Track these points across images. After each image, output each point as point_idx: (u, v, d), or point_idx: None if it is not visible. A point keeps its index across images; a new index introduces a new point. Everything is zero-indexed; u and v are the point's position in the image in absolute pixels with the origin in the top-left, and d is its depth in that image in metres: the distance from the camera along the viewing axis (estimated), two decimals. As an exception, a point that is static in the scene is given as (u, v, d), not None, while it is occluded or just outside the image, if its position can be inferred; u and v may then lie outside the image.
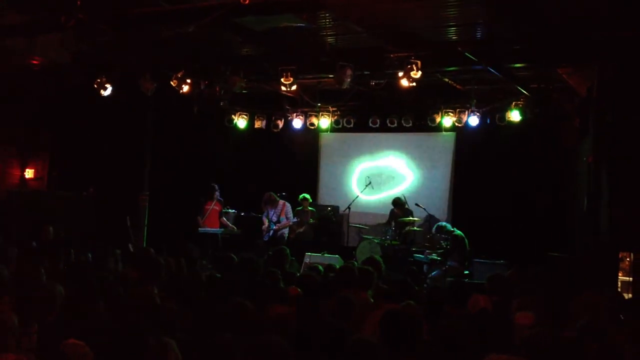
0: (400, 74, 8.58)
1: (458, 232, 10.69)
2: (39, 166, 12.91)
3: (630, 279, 7.90)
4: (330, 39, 8.81)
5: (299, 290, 5.80)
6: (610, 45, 7.76)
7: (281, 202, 11.78)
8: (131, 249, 10.01)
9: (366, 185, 12.76)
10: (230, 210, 12.33)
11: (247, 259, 6.84)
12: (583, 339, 4.20)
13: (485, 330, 4.51)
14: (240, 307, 4.44)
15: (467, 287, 6.09)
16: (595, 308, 4.84)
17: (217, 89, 11.11)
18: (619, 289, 7.83)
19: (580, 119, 9.89)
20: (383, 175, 13.27)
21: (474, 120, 11.28)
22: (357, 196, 12.61)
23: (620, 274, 7.98)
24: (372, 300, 5.79)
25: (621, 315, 5.10)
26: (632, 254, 7.94)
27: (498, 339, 4.31)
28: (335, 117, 12.78)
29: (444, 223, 11.04)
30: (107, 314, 4.72)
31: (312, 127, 13.03)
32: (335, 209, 12.95)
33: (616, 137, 8.02)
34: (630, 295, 7.68)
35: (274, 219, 11.67)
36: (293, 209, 11.99)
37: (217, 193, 11.82)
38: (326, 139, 13.94)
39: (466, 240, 10.67)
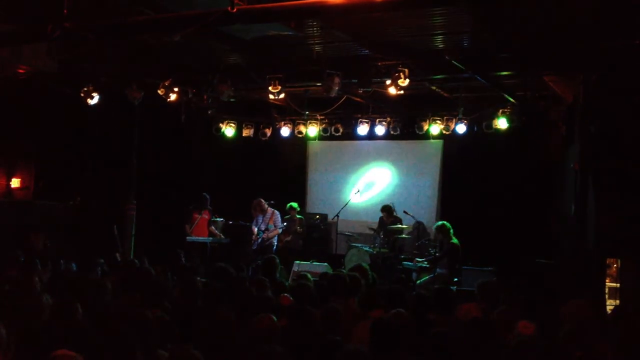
0: (388, 82, 8.62)
1: (455, 240, 10.59)
2: (25, 176, 12.78)
3: (617, 284, 7.96)
4: (317, 48, 8.82)
5: (291, 299, 5.79)
6: (594, 54, 7.83)
7: (270, 209, 11.74)
8: (118, 259, 9.93)
9: (354, 193, 12.76)
10: (218, 219, 12.29)
11: (221, 268, 6.80)
12: (567, 347, 4.21)
13: (477, 338, 4.51)
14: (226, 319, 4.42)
15: (452, 294, 6.10)
16: (580, 316, 4.85)
17: (205, 97, 11.08)
18: (606, 295, 7.89)
19: (566, 126, 9.96)
20: (371, 183, 13.29)
21: (461, 128, 11.36)
22: (346, 204, 12.61)
23: (607, 280, 8.04)
24: (360, 308, 5.79)
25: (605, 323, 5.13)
26: (618, 260, 8.00)
27: (489, 347, 4.31)
28: (324, 125, 12.77)
29: (448, 225, 10.80)
30: (93, 324, 4.66)
31: (300, 135, 13.04)
32: (324, 217, 12.93)
33: (601, 145, 8.08)
34: (617, 302, 7.74)
35: (262, 227, 11.62)
36: (282, 217, 11.96)
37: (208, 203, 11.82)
38: (314, 147, 13.95)
39: (460, 250, 10.57)
